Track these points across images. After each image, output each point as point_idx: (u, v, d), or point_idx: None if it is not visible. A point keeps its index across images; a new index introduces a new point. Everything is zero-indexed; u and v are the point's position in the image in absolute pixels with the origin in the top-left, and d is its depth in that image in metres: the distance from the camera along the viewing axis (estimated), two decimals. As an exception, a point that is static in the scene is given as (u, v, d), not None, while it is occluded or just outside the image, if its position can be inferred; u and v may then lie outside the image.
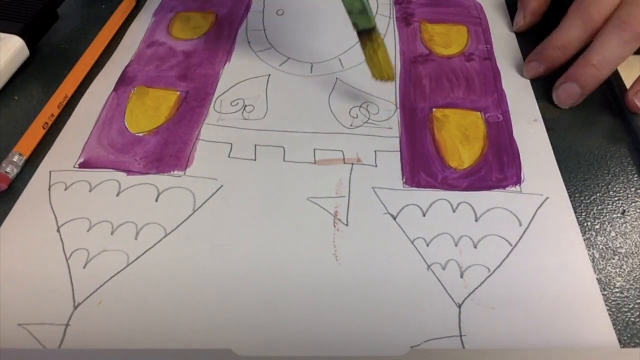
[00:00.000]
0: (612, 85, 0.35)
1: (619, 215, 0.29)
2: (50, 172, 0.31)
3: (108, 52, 0.40)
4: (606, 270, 0.27)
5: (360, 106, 0.35)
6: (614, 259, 0.27)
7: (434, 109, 0.34)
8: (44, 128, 0.34)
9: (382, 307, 0.25)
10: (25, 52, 0.39)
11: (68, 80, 0.37)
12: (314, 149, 0.32)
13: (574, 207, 0.29)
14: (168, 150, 0.32)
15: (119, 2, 0.44)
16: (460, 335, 0.24)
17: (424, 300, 0.25)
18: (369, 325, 0.25)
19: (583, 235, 0.28)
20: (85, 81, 0.38)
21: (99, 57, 0.40)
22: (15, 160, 0.31)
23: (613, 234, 0.28)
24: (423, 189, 0.30)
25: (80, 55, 0.39)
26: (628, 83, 0.34)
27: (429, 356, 0.23)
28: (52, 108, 0.35)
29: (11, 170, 0.31)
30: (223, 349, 0.23)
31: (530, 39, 0.40)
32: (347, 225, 0.28)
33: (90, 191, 0.30)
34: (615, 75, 0.35)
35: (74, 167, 0.32)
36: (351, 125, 0.34)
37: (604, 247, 0.27)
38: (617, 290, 0.26)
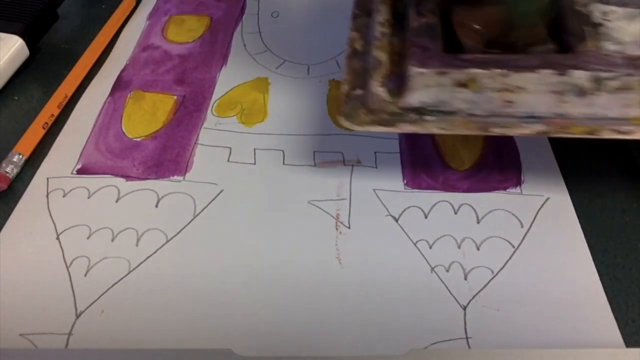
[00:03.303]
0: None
1: (619, 215, 0.29)
2: (47, 178, 0.31)
3: (108, 53, 0.40)
4: (606, 270, 0.27)
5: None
6: (613, 258, 0.27)
7: (432, 110, 0.34)
8: (44, 128, 0.33)
9: (387, 310, 0.25)
10: (25, 52, 0.38)
11: (68, 80, 0.37)
12: (314, 151, 0.32)
13: (573, 207, 0.29)
14: (167, 155, 0.32)
15: (119, 2, 0.44)
16: (467, 337, 0.24)
17: (428, 303, 0.25)
18: (373, 328, 0.24)
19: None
20: (85, 81, 0.37)
21: (99, 57, 0.39)
22: (15, 160, 0.31)
23: (613, 234, 0.28)
24: (424, 190, 0.30)
25: (80, 55, 0.39)
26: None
27: (429, 356, 0.23)
28: (52, 108, 0.34)
29: (11, 171, 0.31)
30: (223, 349, 0.23)
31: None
32: (349, 228, 0.28)
33: (89, 197, 0.30)
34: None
35: (72, 173, 0.31)
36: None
37: (603, 247, 0.28)
38: (617, 290, 0.26)
